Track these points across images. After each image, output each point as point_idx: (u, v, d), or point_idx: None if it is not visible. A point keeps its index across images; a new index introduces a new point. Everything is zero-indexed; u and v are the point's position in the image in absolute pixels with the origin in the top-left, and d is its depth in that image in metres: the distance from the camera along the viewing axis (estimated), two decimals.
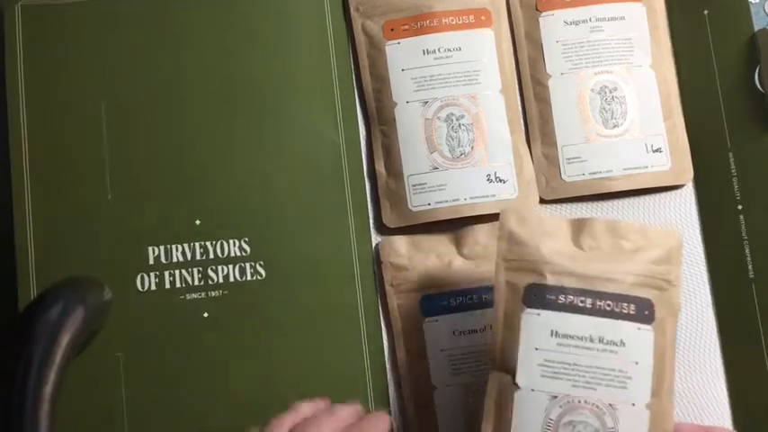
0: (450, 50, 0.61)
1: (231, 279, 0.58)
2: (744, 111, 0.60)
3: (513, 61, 0.63)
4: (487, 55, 0.61)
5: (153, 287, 0.58)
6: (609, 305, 0.48)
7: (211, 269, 0.58)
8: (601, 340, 0.48)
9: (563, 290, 0.48)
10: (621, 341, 0.48)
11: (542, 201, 0.61)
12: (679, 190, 0.62)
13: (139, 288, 0.58)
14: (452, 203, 0.59)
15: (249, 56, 0.61)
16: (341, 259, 0.59)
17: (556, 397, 0.48)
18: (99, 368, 0.56)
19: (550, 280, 0.49)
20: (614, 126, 0.61)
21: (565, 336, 0.48)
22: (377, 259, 0.60)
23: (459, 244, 0.59)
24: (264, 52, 0.61)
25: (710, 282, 0.61)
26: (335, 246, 0.59)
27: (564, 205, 0.62)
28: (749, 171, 0.59)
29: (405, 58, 0.61)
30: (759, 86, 0.59)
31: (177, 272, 0.58)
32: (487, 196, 0.59)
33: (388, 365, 0.59)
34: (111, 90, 0.59)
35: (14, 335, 0.46)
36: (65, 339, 0.46)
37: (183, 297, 0.58)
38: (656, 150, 0.61)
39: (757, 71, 0.59)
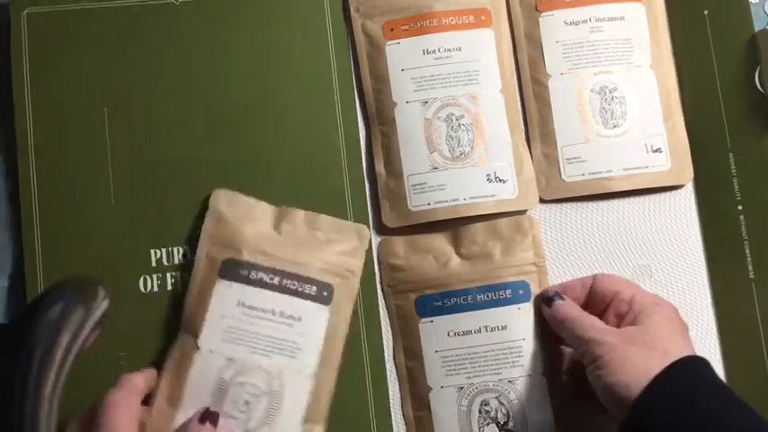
0: (450, 50, 0.61)
1: None
2: (744, 111, 0.59)
3: (513, 61, 0.63)
4: (487, 55, 0.61)
5: (155, 289, 0.58)
6: (294, 284, 0.56)
7: None
8: (281, 314, 0.55)
9: (255, 266, 0.56)
10: (299, 317, 0.55)
11: (542, 201, 0.61)
12: (679, 190, 0.62)
13: (142, 290, 0.58)
14: (452, 203, 0.59)
15: (249, 58, 0.61)
16: None
17: (232, 360, 0.54)
18: (102, 368, 0.56)
19: (246, 256, 0.56)
20: (614, 126, 0.61)
21: (250, 307, 0.55)
22: (376, 260, 0.60)
23: (456, 244, 0.59)
24: (265, 53, 0.61)
25: (710, 282, 0.61)
26: None
27: (564, 205, 0.62)
28: (749, 171, 0.59)
29: (405, 58, 0.61)
30: (759, 86, 0.59)
31: (178, 273, 0.59)
32: (487, 196, 0.59)
33: (388, 366, 0.59)
34: (113, 95, 0.60)
35: (15, 335, 0.46)
36: (65, 340, 0.46)
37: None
38: (656, 150, 0.61)
39: (757, 71, 0.59)
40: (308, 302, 0.56)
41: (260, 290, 0.55)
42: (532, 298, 0.58)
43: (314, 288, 0.56)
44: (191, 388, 0.54)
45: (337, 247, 0.58)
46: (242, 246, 0.56)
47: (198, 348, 0.54)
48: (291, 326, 0.55)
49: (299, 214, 0.58)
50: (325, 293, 0.56)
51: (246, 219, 0.57)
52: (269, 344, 0.55)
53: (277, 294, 0.55)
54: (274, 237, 0.57)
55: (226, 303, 0.55)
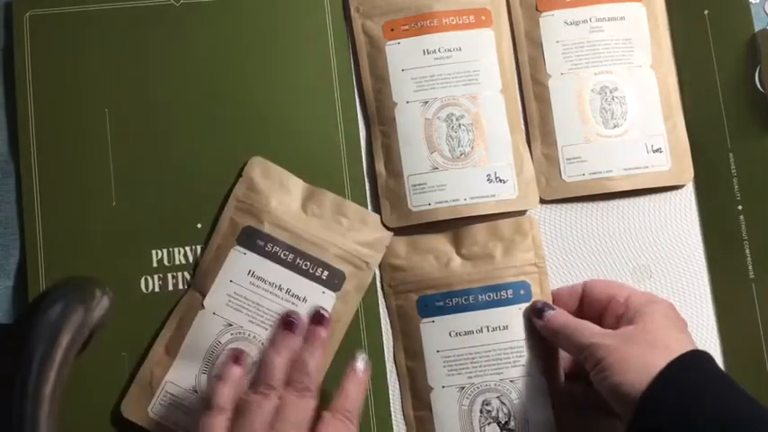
0: (450, 50, 0.61)
1: None
2: (744, 111, 0.59)
3: (513, 61, 0.63)
4: (487, 55, 0.61)
5: (156, 289, 0.58)
6: (306, 265, 0.57)
7: None
8: (288, 292, 0.56)
9: (272, 240, 0.57)
10: (304, 297, 0.56)
11: (542, 201, 0.61)
12: (679, 190, 0.62)
13: (143, 290, 0.58)
14: (452, 203, 0.59)
15: (250, 57, 0.61)
16: None
17: (231, 325, 0.56)
18: (104, 368, 0.57)
19: (266, 228, 0.57)
20: (614, 126, 0.61)
21: (259, 278, 0.57)
22: None
23: (457, 244, 0.59)
24: (265, 52, 0.61)
25: (710, 282, 0.61)
26: None
27: (564, 205, 0.62)
28: (749, 171, 0.59)
29: (405, 58, 0.61)
30: (759, 86, 0.59)
31: (180, 274, 0.59)
32: (487, 196, 0.59)
33: (388, 366, 0.59)
34: (114, 96, 0.60)
35: (15, 335, 0.46)
36: (65, 339, 0.46)
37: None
38: (657, 150, 0.61)
39: (757, 71, 0.59)
40: (317, 285, 0.57)
41: (272, 264, 0.57)
42: (533, 298, 0.58)
43: (326, 272, 0.57)
44: (188, 342, 0.56)
45: (358, 237, 0.58)
46: (264, 217, 0.57)
47: (203, 307, 0.56)
48: (295, 305, 0.56)
49: (328, 197, 0.59)
50: (335, 280, 0.57)
51: (277, 191, 0.58)
52: (269, 317, 0.56)
53: (288, 271, 0.57)
54: (299, 214, 0.58)
55: (237, 270, 0.57)
